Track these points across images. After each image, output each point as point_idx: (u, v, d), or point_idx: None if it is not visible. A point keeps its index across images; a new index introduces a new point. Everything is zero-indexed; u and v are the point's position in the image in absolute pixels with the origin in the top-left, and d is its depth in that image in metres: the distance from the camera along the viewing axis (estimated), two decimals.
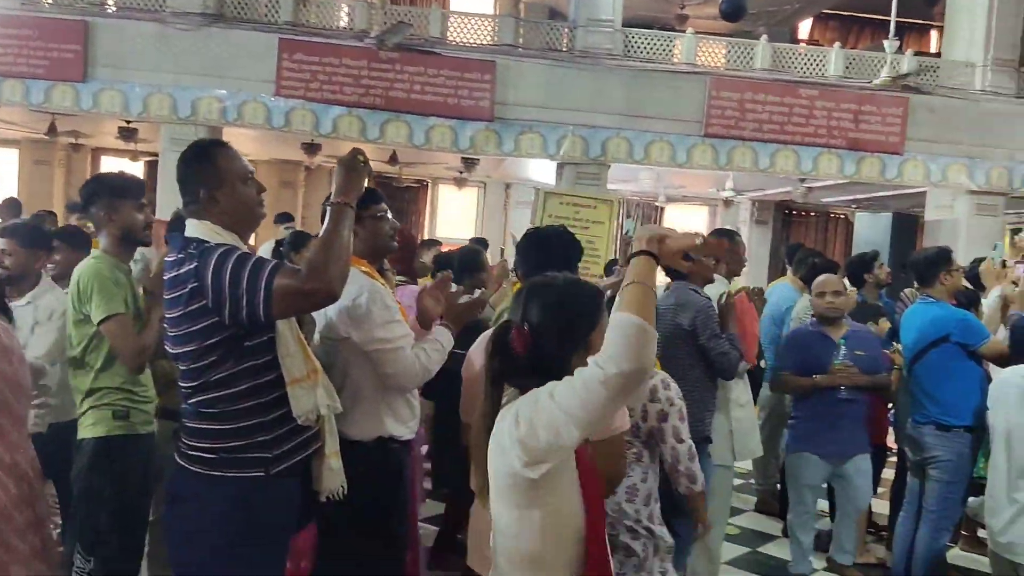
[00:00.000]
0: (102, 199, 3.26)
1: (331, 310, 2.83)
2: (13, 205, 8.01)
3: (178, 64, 9.25)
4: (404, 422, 3.04)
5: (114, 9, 9.54)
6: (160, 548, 3.69)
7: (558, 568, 1.88)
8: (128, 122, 10.80)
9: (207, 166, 2.49)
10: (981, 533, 5.22)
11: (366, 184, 2.66)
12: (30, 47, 9.39)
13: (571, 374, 1.78)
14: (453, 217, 16.11)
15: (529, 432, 1.76)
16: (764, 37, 10.29)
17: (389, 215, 3.16)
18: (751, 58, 10.09)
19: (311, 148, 11.85)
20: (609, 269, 6.66)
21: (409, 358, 2.87)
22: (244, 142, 11.19)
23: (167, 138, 9.48)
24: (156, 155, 12.64)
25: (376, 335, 2.83)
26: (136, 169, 14.43)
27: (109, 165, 14.95)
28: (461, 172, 14.40)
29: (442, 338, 3.05)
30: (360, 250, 2.88)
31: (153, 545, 3.58)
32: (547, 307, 1.94)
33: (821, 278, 4.79)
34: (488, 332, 2.84)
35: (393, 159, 12.48)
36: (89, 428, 3.16)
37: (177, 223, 3.59)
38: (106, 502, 3.14)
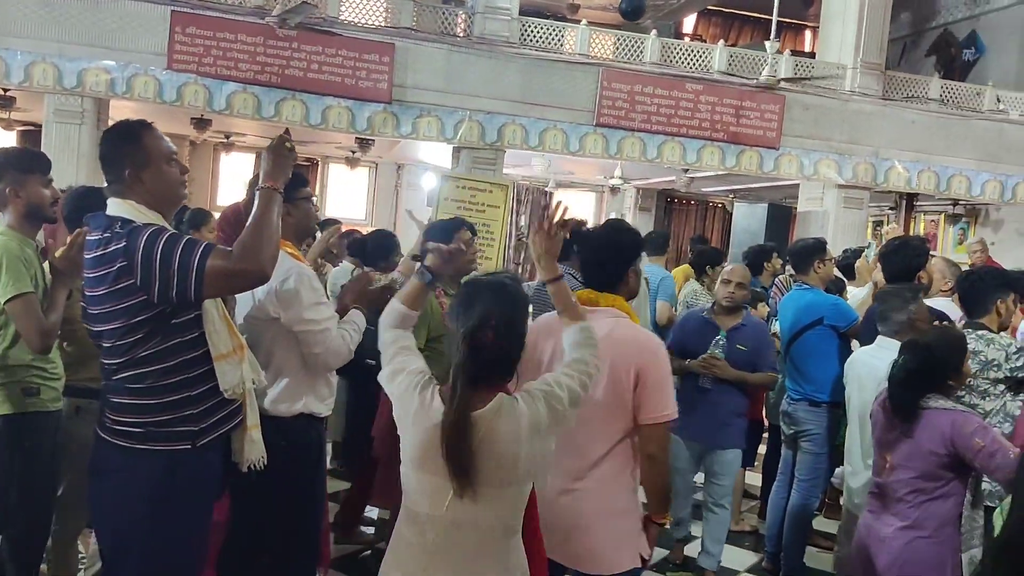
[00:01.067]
0: (8, 174, 3.20)
1: (259, 292, 2.90)
2: None
3: (64, 33, 8.86)
4: (323, 400, 3.15)
5: None
6: (65, 525, 3.68)
7: None
8: (6, 90, 10.30)
9: (134, 146, 2.51)
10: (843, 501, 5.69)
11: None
12: None
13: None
14: (344, 196, 15.98)
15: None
16: (654, 32, 10.66)
17: (313, 198, 3.27)
18: (641, 51, 10.45)
19: (201, 123, 11.59)
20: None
21: (336, 338, 2.99)
22: (127, 114, 10.81)
23: (51, 109, 9.10)
24: (32, 124, 12.09)
25: (305, 316, 2.93)
26: (10, 139, 13.70)
27: None
28: (354, 152, 14.31)
29: (357, 319, 3.17)
30: (287, 233, 2.97)
31: (57, 522, 3.57)
32: (509, 306, 2.21)
33: (729, 267, 4.86)
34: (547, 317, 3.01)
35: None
36: None
37: (82, 198, 3.56)
38: (15, 479, 3.13)
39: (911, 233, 13.24)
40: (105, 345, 2.47)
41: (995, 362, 3.55)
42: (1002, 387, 3.57)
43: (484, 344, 2.12)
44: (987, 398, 3.53)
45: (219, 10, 9.19)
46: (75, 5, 8.86)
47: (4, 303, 3.05)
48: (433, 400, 2.15)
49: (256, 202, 2.48)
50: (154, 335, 2.40)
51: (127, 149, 2.52)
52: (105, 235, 2.43)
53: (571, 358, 2.36)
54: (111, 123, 9.67)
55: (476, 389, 2.11)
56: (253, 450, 2.72)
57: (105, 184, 2.60)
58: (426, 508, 2.18)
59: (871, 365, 3.80)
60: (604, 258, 2.96)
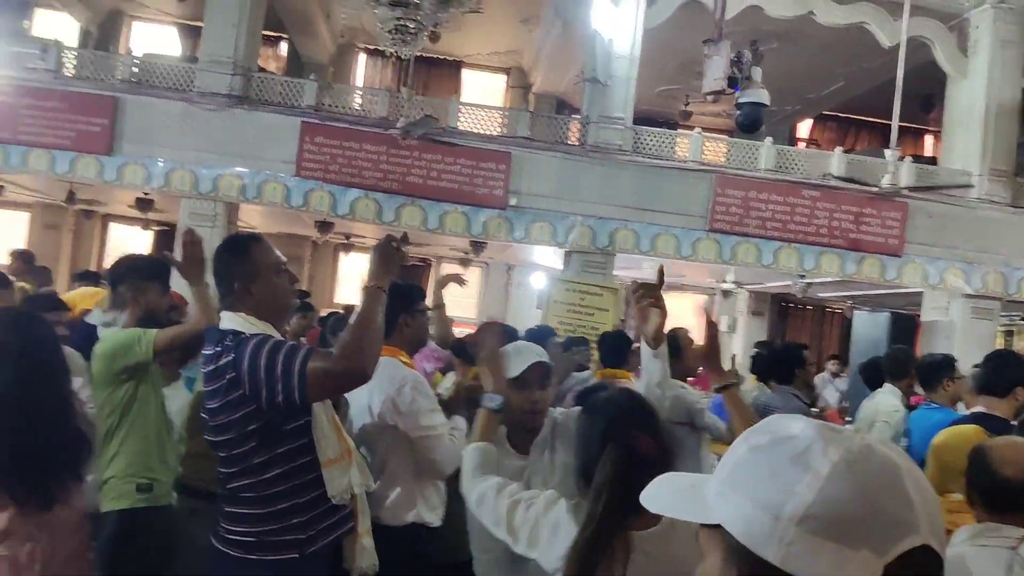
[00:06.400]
0: (129, 279, 3.41)
1: (375, 400, 2.94)
2: (27, 256, 8.23)
3: (202, 142, 9.51)
4: (433, 509, 3.13)
5: (143, 87, 9.84)
6: None
7: None
8: (145, 194, 11.02)
9: (243, 260, 2.57)
10: None
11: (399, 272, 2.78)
12: (58, 119, 9.63)
13: None
14: (455, 296, 16.23)
15: None
16: (769, 139, 10.62)
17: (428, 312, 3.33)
18: (755, 158, 10.42)
19: (324, 226, 12.09)
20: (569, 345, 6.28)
21: (450, 445, 3.00)
22: (254, 216, 11.38)
23: (186, 212, 9.67)
24: (167, 224, 12.86)
25: (422, 423, 2.95)
26: (146, 238, 14.62)
27: (119, 233, 15.15)
28: (467, 253, 14.61)
29: (460, 424, 3.18)
30: (402, 342, 3.02)
31: None
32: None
33: None
34: None
35: (404, 239, 12.70)
36: (113, 501, 3.19)
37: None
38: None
39: None
40: (221, 455, 2.51)
41: None
42: None
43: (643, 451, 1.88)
44: None
45: (346, 121, 9.68)
46: (214, 117, 9.49)
47: (154, 349, 3.14)
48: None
49: (361, 301, 2.49)
50: (265, 443, 2.41)
51: (236, 263, 2.58)
52: (217, 349, 2.48)
53: None
54: (241, 225, 10.26)
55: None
56: (365, 557, 2.69)
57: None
58: None
59: None
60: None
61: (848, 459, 0.87)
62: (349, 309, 9.28)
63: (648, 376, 2.53)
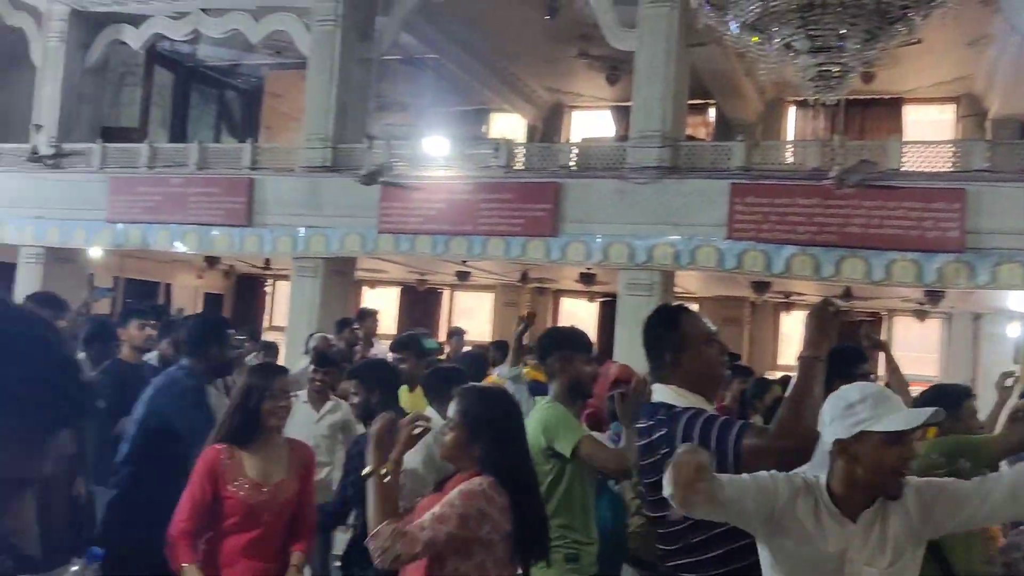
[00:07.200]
0: (558, 351, 3.58)
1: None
2: (457, 332, 9.67)
3: (635, 215, 9.90)
4: None
5: (581, 170, 10.59)
6: None
7: None
8: (588, 268, 11.76)
9: (671, 331, 2.58)
10: None
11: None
12: (510, 208, 10.72)
13: None
14: (912, 352, 14.80)
15: None
16: None
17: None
18: None
19: (760, 286, 11.85)
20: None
21: None
22: (690, 281, 11.52)
23: (624, 283, 10.10)
24: (610, 295, 13.55)
25: None
26: (591, 309, 15.58)
27: (568, 306, 16.32)
28: (922, 304, 13.29)
29: None
30: None
31: None
32: None
33: None
34: None
35: (847, 294, 12.00)
36: (541, 570, 3.19)
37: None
38: None
39: None
40: (659, 531, 2.49)
41: None
42: None
43: None
44: None
45: (776, 177, 9.46)
46: (645, 190, 9.86)
47: (571, 454, 3.29)
48: None
49: (797, 372, 2.36)
50: (702, 522, 2.34)
51: (666, 334, 2.59)
52: (650, 423, 2.49)
53: None
54: (677, 291, 10.42)
55: None
56: None
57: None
58: None
59: None
60: None
61: None
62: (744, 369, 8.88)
63: None
